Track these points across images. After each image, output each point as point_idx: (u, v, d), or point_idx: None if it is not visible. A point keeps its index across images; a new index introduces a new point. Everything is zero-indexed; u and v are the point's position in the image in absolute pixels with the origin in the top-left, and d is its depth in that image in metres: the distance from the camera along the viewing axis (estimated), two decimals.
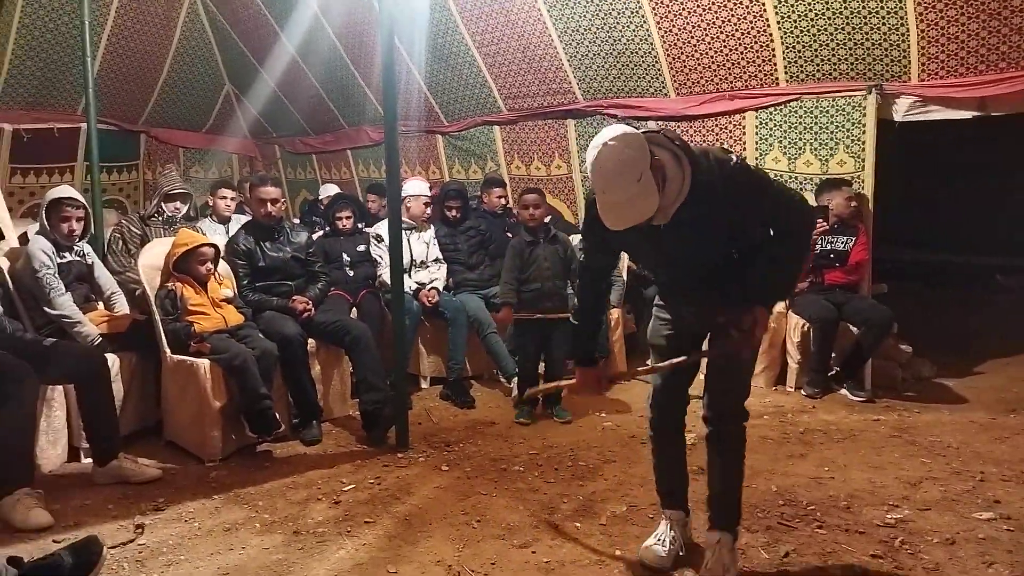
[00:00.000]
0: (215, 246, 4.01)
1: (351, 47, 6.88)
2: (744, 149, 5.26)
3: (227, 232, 5.10)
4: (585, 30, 5.49)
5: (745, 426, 2.47)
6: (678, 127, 5.53)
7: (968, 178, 7.93)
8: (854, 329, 4.48)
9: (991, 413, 4.06)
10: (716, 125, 5.40)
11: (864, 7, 4.44)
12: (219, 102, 8.46)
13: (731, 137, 5.32)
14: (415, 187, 5.15)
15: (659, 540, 2.55)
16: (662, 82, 5.47)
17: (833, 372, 4.55)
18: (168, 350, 3.80)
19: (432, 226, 5.27)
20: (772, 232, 2.26)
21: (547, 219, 4.79)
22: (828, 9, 4.55)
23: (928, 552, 2.59)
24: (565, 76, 5.85)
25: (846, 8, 4.50)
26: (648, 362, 2.60)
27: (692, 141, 5.50)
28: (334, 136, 8.16)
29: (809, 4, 4.59)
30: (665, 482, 2.65)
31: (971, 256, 7.94)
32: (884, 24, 4.44)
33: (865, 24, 4.49)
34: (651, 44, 5.29)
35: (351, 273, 4.95)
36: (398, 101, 6.69)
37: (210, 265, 3.93)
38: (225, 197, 5.43)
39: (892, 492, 3.10)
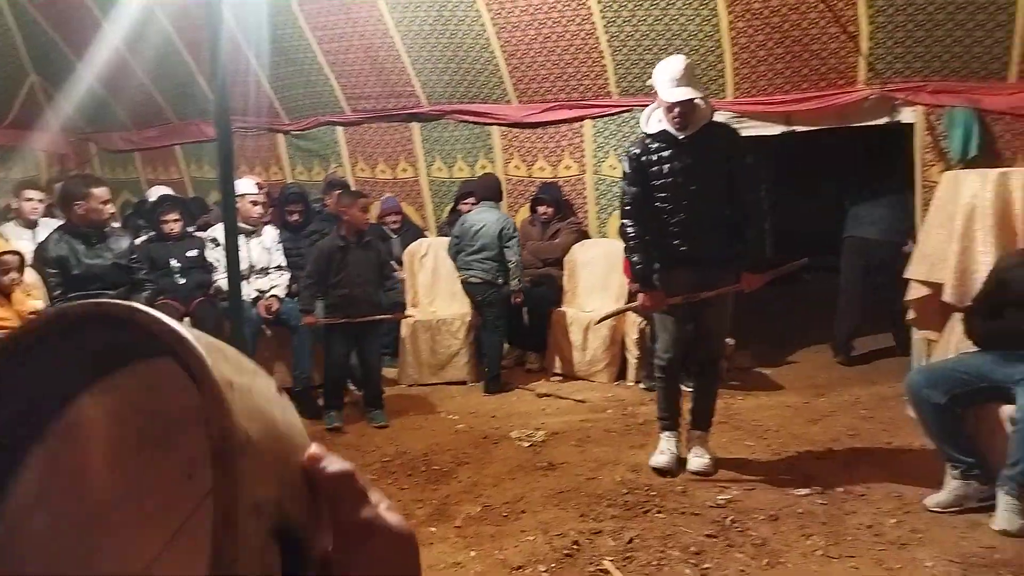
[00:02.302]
0: (19, 253, 3.59)
1: (187, 33, 6.38)
2: (584, 155, 5.50)
3: (34, 237, 4.59)
4: (427, 35, 5.48)
5: (723, 365, 3.65)
6: (522, 132, 5.69)
7: (778, 183, 8.77)
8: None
9: (803, 397, 4.51)
10: (557, 132, 5.59)
11: (684, 29, 4.79)
12: (22, 94, 7.58)
13: (571, 144, 5.54)
14: (240, 186, 4.83)
15: (663, 451, 3.44)
16: (504, 89, 5.58)
17: None
18: None
19: (272, 229, 5.02)
20: (746, 201, 3.26)
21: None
22: (652, 29, 4.86)
23: (755, 528, 2.83)
24: (408, 80, 5.81)
25: (668, 29, 4.83)
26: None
27: (535, 146, 5.71)
28: (160, 131, 7.58)
29: (635, 24, 4.88)
30: (666, 411, 3.51)
31: (784, 255, 8.74)
32: (703, 45, 4.81)
33: (686, 45, 4.84)
34: (491, 52, 5.38)
35: (182, 280, 4.62)
36: (238, 96, 6.37)
37: (14, 274, 3.52)
38: (31, 199, 4.89)
39: (722, 474, 3.36)
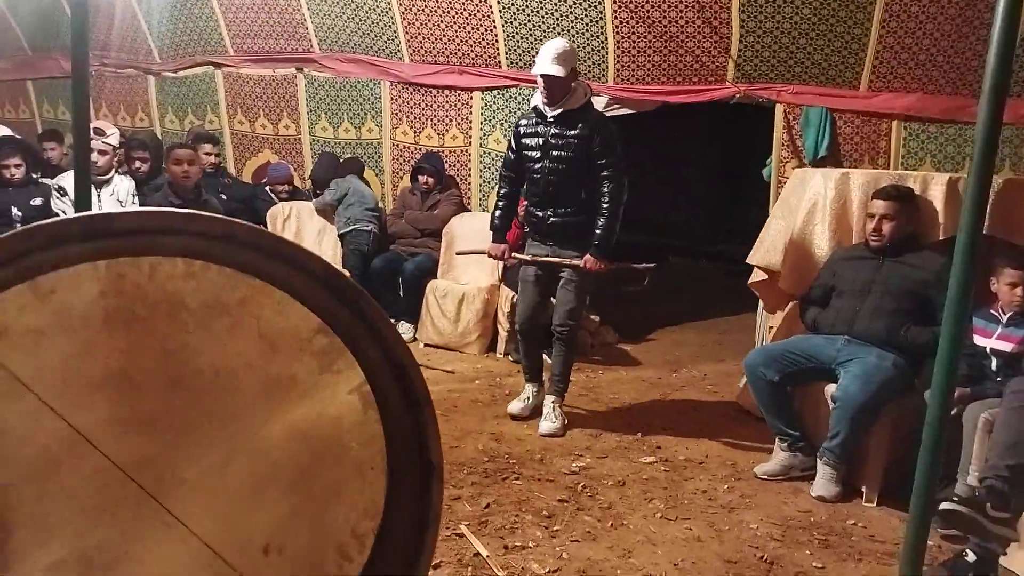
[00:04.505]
0: None
1: None
2: (471, 127, 5.52)
3: None
4: None
5: (578, 332, 3.81)
6: (412, 98, 5.62)
7: (652, 171, 9.16)
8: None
9: (658, 373, 4.78)
10: (447, 102, 5.57)
11: (572, 11, 4.89)
12: None
13: (459, 115, 5.54)
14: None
15: (520, 399, 3.82)
16: (398, 45, 5.49)
17: None
18: None
19: (128, 180, 4.70)
20: (602, 189, 3.45)
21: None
22: (542, 7, 4.93)
23: (604, 494, 3.00)
24: (303, 20, 5.59)
25: (556, 9, 4.91)
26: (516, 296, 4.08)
27: (425, 113, 5.65)
28: (12, 64, 6.89)
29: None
30: (527, 367, 3.88)
31: (651, 237, 9.13)
32: (588, 30, 4.93)
33: (572, 27, 4.95)
34: (388, 4, 5.27)
35: None
36: (105, 29, 5.88)
37: None
38: None
39: (578, 443, 3.52)
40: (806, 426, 3.26)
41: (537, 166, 3.57)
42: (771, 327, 3.85)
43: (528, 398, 3.83)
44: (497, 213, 3.78)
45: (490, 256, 3.86)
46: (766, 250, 3.78)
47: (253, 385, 1.11)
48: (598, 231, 3.48)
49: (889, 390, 3.00)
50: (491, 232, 3.82)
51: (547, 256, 3.64)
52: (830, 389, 3.16)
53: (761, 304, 4.38)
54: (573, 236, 3.56)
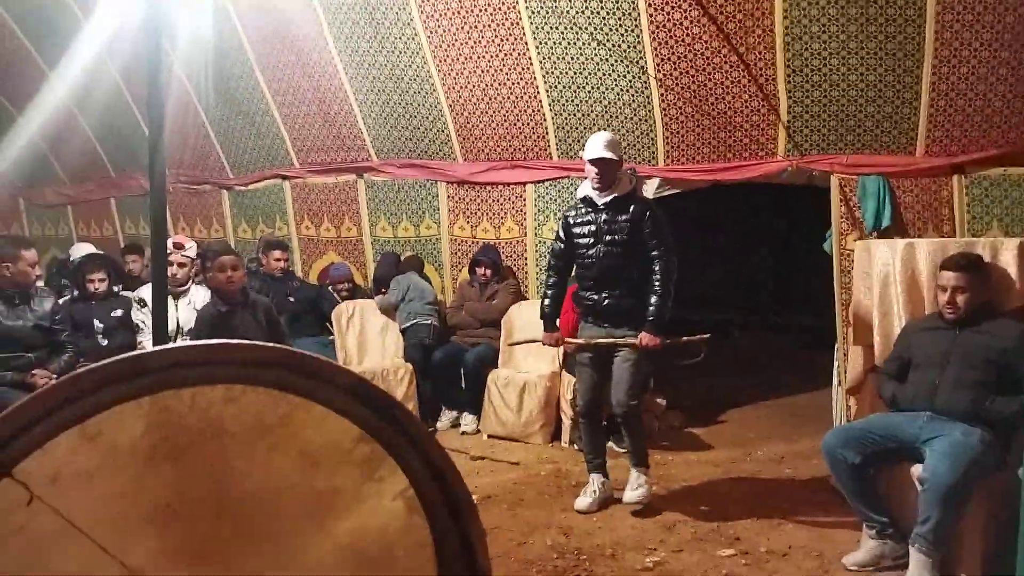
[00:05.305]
0: None
1: (135, 83, 6.30)
2: (525, 218, 5.64)
3: None
4: (380, 90, 5.62)
5: (641, 410, 3.84)
6: (468, 194, 5.81)
7: (709, 243, 9.11)
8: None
9: (731, 456, 4.60)
10: (501, 196, 5.74)
11: (619, 98, 5.02)
12: None
13: (514, 208, 5.69)
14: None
15: (586, 493, 3.74)
16: (451, 147, 5.72)
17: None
18: None
19: (204, 290, 4.94)
20: (654, 268, 3.53)
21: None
22: (590, 96, 5.09)
23: None
24: (359, 133, 5.92)
25: (604, 97, 5.06)
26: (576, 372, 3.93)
27: (480, 208, 5.83)
28: (97, 184, 7.45)
29: (575, 90, 5.11)
30: (592, 454, 3.82)
31: (713, 312, 8.96)
32: (636, 114, 5.05)
33: (620, 113, 5.08)
34: (440, 109, 5.53)
35: (104, 342, 4.50)
36: (182, 148, 6.34)
37: None
38: None
39: (651, 536, 3.38)
40: (894, 510, 3.06)
41: (591, 252, 3.66)
42: (849, 406, 3.69)
43: (595, 491, 3.75)
44: (546, 302, 3.87)
45: (544, 344, 3.93)
46: (863, 329, 3.69)
47: (297, 504, 1.10)
48: (652, 307, 3.54)
49: (979, 467, 2.82)
50: (541, 321, 3.89)
51: (603, 337, 3.67)
52: (916, 470, 2.97)
53: (836, 381, 4.23)
54: (628, 316, 3.62)
